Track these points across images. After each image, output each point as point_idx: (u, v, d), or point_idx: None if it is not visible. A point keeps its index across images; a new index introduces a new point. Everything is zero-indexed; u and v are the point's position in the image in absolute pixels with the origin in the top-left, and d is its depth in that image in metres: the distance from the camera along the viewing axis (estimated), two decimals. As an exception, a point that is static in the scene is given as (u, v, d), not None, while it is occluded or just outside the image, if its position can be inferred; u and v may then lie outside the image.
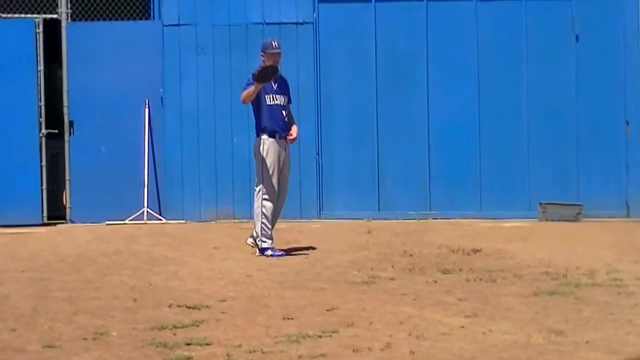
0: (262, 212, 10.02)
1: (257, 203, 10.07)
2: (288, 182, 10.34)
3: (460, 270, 9.17)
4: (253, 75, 9.93)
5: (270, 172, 10.03)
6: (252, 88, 9.96)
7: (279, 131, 10.12)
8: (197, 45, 13.10)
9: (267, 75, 9.93)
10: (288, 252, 10.32)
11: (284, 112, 10.17)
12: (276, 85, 10.16)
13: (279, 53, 10.15)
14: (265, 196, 10.03)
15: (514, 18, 12.99)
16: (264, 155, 10.03)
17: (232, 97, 12.32)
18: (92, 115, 13.00)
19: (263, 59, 10.14)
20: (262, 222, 10.03)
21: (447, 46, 13.04)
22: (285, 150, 10.19)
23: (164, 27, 13.09)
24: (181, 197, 13.04)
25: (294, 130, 10.21)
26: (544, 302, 7.76)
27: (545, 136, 12.97)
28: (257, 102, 10.10)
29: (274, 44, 10.21)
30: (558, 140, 12.96)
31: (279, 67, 10.15)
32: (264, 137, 10.06)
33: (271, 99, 10.09)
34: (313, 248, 10.63)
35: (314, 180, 13.04)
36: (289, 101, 10.32)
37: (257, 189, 10.08)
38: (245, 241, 10.40)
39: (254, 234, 10.21)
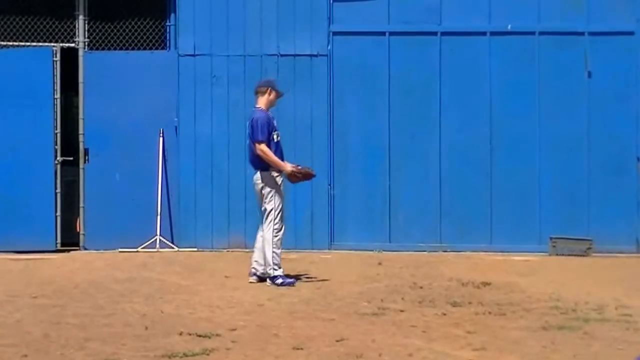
0: (273, 241, 10.16)
1: (268, 233, 10.19)
2: None
3: (470, 303, 9.19)
4: (290, 176, 10.29)
5: (282, 204, 10.30)
6: (278, 165, 10.19)
7: None
8: (212, 76, 13.21)
9: (299, 179, 10.46)
10: (298, 279, 10.38)
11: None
12: (275, 122, 10.43)
13: (281, 95, 10.60)
14: (276, 226, 10.23)
15: (527, 53, 13.06)
16: (275, 189, 10.27)
17: (246, 127, 12.37)
18: (107, 143, 13.11)
19: (268, 92, 10.34)
20: (273, 251, 10.17)
21: (460, 80, 13.11)
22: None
23: (179, 57, 13.21)
24: (194, 226, 13.12)
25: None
26: (553, 336, 7.78)
27: (556, 171, 13.01)
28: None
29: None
30: (569, 176, 13.00)
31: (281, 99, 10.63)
32: (274, 173, 10.31)
33: (277, 136, 10.38)
34: (324, 279, 10.66)
35: (325, 211, 13.09)
36: None
37: (268, 219, 10.22)
38: (248, 281, 10.41)
39: (253, 270, 10.32)
